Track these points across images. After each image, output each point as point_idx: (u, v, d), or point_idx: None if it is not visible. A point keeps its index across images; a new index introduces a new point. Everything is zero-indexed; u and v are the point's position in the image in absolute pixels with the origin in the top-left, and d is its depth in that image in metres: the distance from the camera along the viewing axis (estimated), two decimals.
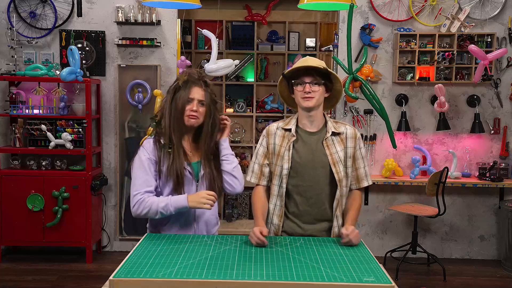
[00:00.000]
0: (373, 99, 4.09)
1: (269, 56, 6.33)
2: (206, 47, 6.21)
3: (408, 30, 4.94)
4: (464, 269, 4.91)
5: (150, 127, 4.26)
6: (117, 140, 5.12)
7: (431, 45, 4.92)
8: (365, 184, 2.51)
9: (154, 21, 4.91)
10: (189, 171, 2.41)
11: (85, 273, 4.61)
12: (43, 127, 4.74)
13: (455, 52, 4.89)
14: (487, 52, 4.67)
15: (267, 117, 6.29)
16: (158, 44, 4.99)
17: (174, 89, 2.44)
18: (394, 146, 4.30)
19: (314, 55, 6.07)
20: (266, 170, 2.51)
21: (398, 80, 4.98)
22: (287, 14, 6.29)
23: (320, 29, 6.21)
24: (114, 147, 5.15)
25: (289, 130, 2.47)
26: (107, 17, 5.01)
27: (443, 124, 4.93)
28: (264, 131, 2.55)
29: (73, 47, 4.51)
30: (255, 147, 2.59)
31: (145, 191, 2.34)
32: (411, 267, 4.85)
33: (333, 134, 2.46)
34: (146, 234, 2.40)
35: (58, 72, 4.76)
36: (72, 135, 4.77)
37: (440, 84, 4.81)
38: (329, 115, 2.58)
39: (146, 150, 2.41)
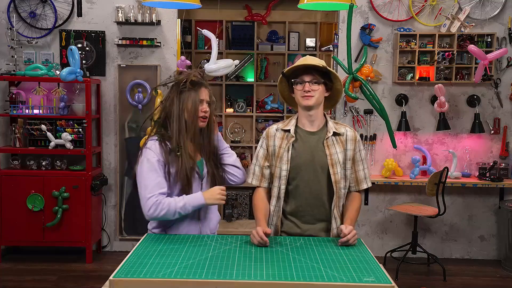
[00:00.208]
0: (373, 99, 4.08)
1: (269, 56, 6.33)
2: (206, 47, 6.22)
3: (408, 30, 4.95)
4: (464, 269, 4.91)
5: (149, 128, 4.28)
6: (117, 140, 5.12)
7: (431, 45, 4.92)
8: (364, 186, 2.51)
9: (154, 21, 4.91)
10: (196, 172, 2.43)
11: (85, 273, 4.61)
12: (43, 127, 4.74)
13: (455, 52, 4.89)
14: (487, 52, 4.67)
15: (267, 117, 6.29)
16: (158, 44, 4.99)
17: (178, 91, 2.41)
18: (394, 146, 4.30)
19: (314, 55, 6.07)
20: (267, 172, 2.51)
21: (398, 80, 4.98)
22: (287, 14, 6.30)
23: (320, 29, 6.22)
24: (114, 147, 5.15)
25: (289, 131, 2.47)
26: (107, 17, 5.01)
27: (443, 124, 4.93)
28: (264, 133, 2.55)
29: (73, 47, 4.51)
30: (255, 147, 2.59)
31: (159, 193, 2.32)
32: (411, 267, 4.85)
33: (334, 134, 2.45)
34: (146, 234, 2.40)
35: (58, 72, 4.76)
36: (72, 135, 4.77)
37: (440, 84, 4.81)
38: (329, 115, 2.57)
39: (154, 152, 2.37)
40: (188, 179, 2.38)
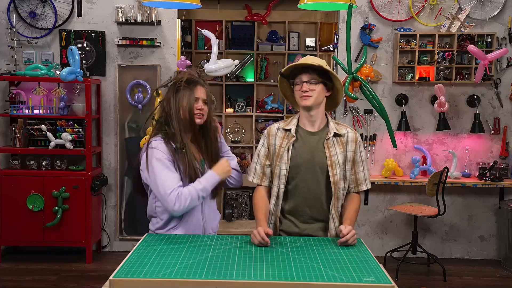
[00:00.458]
0: (373, 99, 4.08)
1: (269, 56, 6.33)
2: (206, 47, 6.22)
3: (408, 30, 4.95)
4: (464, 269, 4.91)
5: (149, 128, 4.28)
6: (117, 140, 5.12)
7: (431, 45, 4.92)
8: (363, 188, 2.51)
9: (154, 21, 4.91)
10: (200, 170, 2.44)
11: (85, 273, 4.61)
12: (43, 127, 4.74)
13: (455, 52, 4.89)
14: (487, 52, 4.67)
15: (267, 117, 6.29)
16: (158, 44, 4.99)
17: (174, 90, 2.44)
18: (395, 145, 4.29)
19: (314, 55, 6.04)
20: (268, 170, 2.51)
21: (398, 80, 4.98)
22: (287, 14, 6.29)
23: (320, 29, 6.22)
24: (114, 147, 5.15)
25: (289, 130, 2.47)
26: (107, 17, 5.01)
27: (443, 124, 4.93)
28: (265, 132, 2.55)
29: (73, 47, 4.51)
30: (255, 147, 2.60)
31: (178, 186, 2.33)
32: (411, 267, 4.85)
33: (335, 135, 2.45)
34: (146, 234, 2.40)
35: (58, 72, 4.76)
36: (72, 135, 4.77)
37: (440, 84, 4.81)
38: (330, 115, 2.57)
39: (161, 151, 2.37)
40: (196, 176, 2.40)
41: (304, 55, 4.98)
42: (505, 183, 4.91)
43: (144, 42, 4.97)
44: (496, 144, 5.11)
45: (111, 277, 1.81)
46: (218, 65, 3.97)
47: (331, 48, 5.33)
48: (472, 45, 4.63)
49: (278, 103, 6.25)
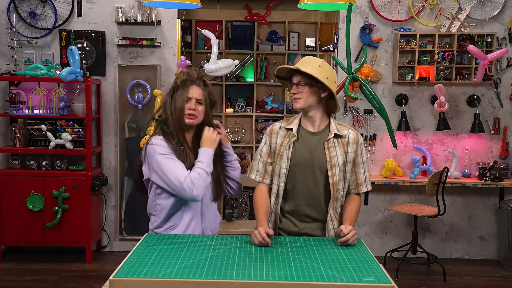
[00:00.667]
0: (373, 99, 4.08)
1: (269, 56, 6.33)
2: (206, 47, 6.22)
3: (408, 30, 4.95)
4: (464, 269, 4.91)
5: (149, 127, 4.29)
6: (117, 140, 5.12)
7: (431, 45, 4.92)
8: (364, 189, 2.50)
9: (154, 21, 4.91)
10: None
11: (85, 273, 4.61)
12: (43, 127, 4.74)
13: (455, 52, 4.89)
14: (487, 52, 4.67)
15: (267, 117, 6.29)
16: (158, 44, 4.99)
17: (173, 89, 2.46)
18: (395, 145, 4.30)
19: (314, 55, 6.06)
20: (270, 168, 2.51)
21: (398, 80, 4.98)
22: (287, 14, 6.29)
23: (320, 29, 6.22)
24: (114, 147, 5.15)
25: (291, 129, 2.48)
26: (107, 17, 5.01)
27: (443, 124, 4.93)
28: (268, 130, 2.56)
29: (73, 47, 4.51)
30: (255, 147, 2.61)
31: (188, 173, 2.33)
32: (411, 267, 4.85)
33: (336, 136, 2.44)
34: (146, 234, 2.40)
35: (58, 72, 4.76)
36: (72, 135, 4.77)
37: (440, 84, 4.81)
38: (332, 116, 2.55)
39: (161, 146, 2.39)
40: None
41: (304, 55, 4.98)
42: (505, 183, 4.91)
43: (144, 42, 4.97)
44: (496, 144, 5.11)
45: (111, 277, 1.81)
46: (218, 65, 3.97)
47: (331, 48, 5.33)
48: (472, 45, 4.63)
49: (278, 103, 6.25)
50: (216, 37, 4.12)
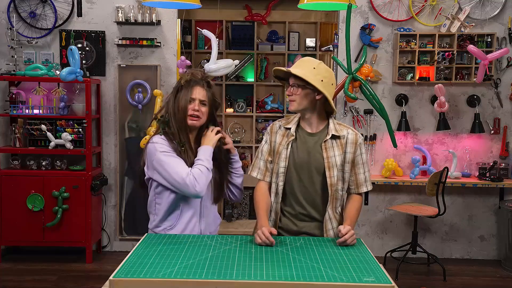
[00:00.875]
0: (373, 99, 4.08)
1: (269, 56, 6.33)
2: (206, 47, 6.22)
3: (408, 30, 4.95)
4: (464, 269, 4.91)
5: (149, 127, 4.29)
6: (117, 140, 5.12)
7: (431, 45, 4.92)
8: (364, 189, 2.50)
9: (154, 21, 4.91)
10: None
11: (85, 273, 4.61)
12: (43, 127, 4.74)
13: (455, 52, 4.89)
14: (487, 52, 4.67)
15: (267, 117, 6.29)
16: (158, 44, 4.99)
17: (176, 89, 2.45)
18: (395, 145, 4.30)
19: (314, 55, 6.07)
20: (271, 166, 2.51)
21: (398, 80, 4.98)
22: (287, 14, 6.29)
23: (320, 29, 6.21)
24: (114, 147, 5.15)
25: (290, 129, 2.48)
26: (107, 17, 5.01)
27: (443, 124, 4.93)
28: (268, 128, 2.57)
29: (73, 47, 4.51)
30: (255, 147, 2.61)
31: (190, 170, 2.33)
32: (411, 267, 4.85)
33: (333, 137, 2.43)
34: (146, 234, 2.40)
35: (58, 72, 4.76)
36: (72, 135, 4.77)
37: (440, 84, 4.81)
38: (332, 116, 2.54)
39: (162, 144, 2.38)
40: None
41: (304, 55, 4.98)
42: (505, 183, 4.91)
43: (144, 42, 4.97)
44: (496, 144, 5.11)
45: (111, 277, 1.81)
46: (218, 65, 3.97)
47: (331, 48, 5.33)
48: (472, 45, 4.63)
49: (278, 103, 6.25)
50: (216, 37, 4.12)
